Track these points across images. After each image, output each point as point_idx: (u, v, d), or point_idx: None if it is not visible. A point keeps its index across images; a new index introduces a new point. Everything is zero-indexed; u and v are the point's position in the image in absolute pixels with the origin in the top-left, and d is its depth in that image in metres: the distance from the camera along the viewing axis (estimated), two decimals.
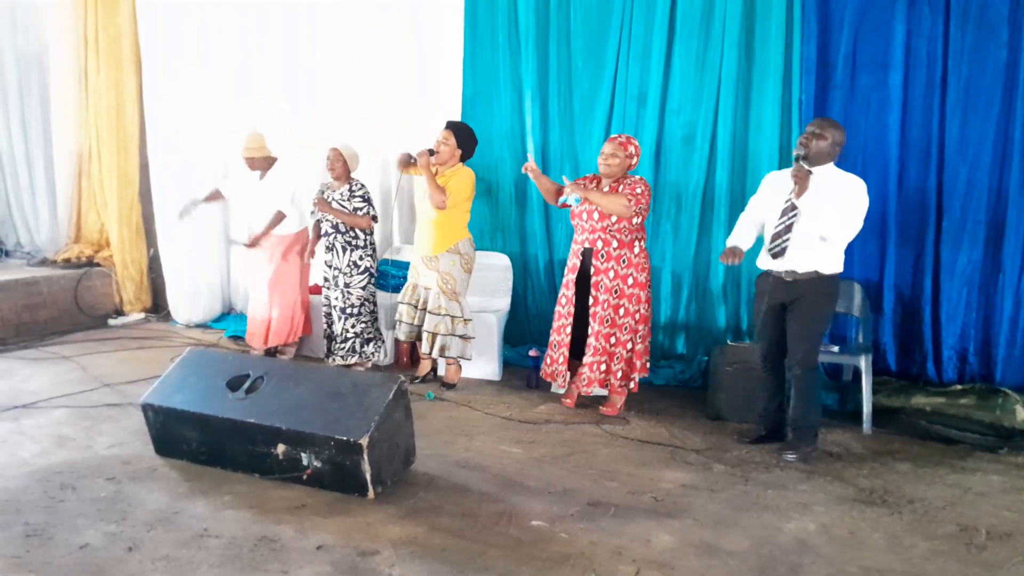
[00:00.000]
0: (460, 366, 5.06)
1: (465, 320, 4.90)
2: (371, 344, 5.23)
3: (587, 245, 4.52)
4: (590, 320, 4.53)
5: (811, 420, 3.94)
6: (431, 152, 4.80)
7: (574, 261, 4.59)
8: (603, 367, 4.53)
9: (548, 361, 4.70)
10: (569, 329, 4.60)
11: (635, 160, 4.53)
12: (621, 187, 4.45)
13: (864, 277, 4.77)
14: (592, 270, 4.50)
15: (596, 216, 4.47)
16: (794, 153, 3.77)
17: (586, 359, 4.54)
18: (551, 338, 4.73)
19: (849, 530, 3.18)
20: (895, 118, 4.64)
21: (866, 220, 4.68)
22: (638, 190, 4.40)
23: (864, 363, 4.34)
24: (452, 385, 5.02)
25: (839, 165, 3.87)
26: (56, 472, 3.51)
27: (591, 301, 4.52)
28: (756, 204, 4.06)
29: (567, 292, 4.62)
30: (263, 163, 5.36)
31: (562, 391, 4.81)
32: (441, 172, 4.86)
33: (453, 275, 4.85)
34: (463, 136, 4.88)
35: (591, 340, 4.52)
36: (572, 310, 4.60)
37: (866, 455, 4.04)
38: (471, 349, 4.94)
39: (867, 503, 3.44)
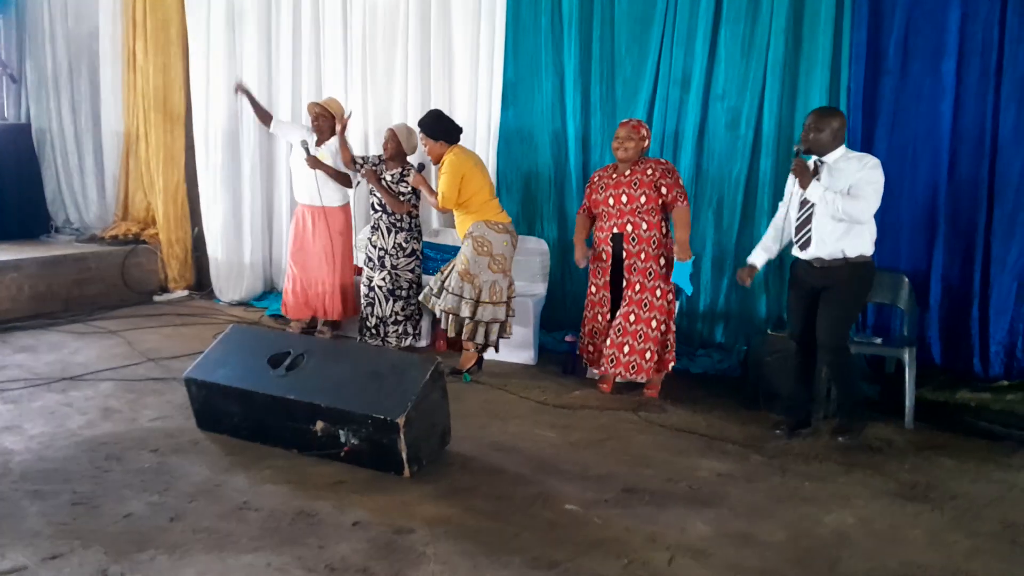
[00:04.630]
0: (475, 352, 4.88)
1: (481, 303, 4.70)
2: (418, 327, 5.31)
3: (616, 231, 4.51)
4: (623, 304, 4.53)
5: (856, 397, 3.99)
6: (421, 167, 5.00)
7: (604, 248, 4.59)
8: (639, 351, 4.50)
9: (592, 349, 4.73)
10: (607, 315, 4.62)
11: (647, 142, 4.55)
12: (654, 173, 4.45)
13: (911, 269, 4.66)
14: (623, 254, 4.50)
15: (624, 200, 4.46)
16: (793, 149, 3.87)
17: (615, 341, 4.50)
18: (589, 326, 4.75)
19: (889, 524, 3.13)
20: (947, 106, 4.52)
21: (915, 211, 4.65)
22: (681, 181, 4.53)
23: (908, 356, 4.25)
24: (459, 371, 4.83)
25: (876, 151, 3.97)
26: (102, 443, 3.60)
27: (624, 284, 4.53)
28: (782, 208, 4.14)
29: (605, 278, 4.62)
30: (328, 126, 5.34)
31: (598, 376, 4.80)
32: (439, 171, 4.81)
33: (467, 256, 4.70)
34: (434, 128, 4.76)
35: (622, 323, 4.50)
36: (608, 296, 4.61)
37: (908, 449, 3.96)
38: (481, 336, 4.75)
39: (908, 498, 3.38)
